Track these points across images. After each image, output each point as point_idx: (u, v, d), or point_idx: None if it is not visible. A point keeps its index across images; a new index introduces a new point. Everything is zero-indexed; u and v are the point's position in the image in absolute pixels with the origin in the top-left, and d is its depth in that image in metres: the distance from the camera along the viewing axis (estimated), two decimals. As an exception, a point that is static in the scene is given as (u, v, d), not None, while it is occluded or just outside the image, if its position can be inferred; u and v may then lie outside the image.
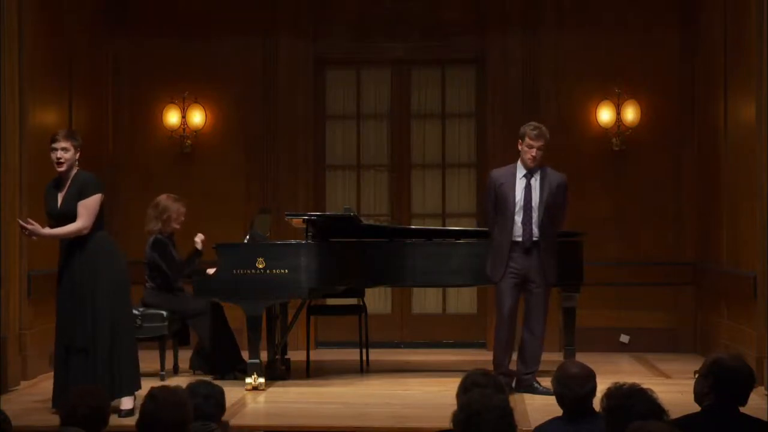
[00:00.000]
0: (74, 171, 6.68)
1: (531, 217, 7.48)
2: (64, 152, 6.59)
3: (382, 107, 10.55)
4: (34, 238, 6.75)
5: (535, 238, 7.48)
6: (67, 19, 9.09)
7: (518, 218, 7.50)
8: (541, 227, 7.49)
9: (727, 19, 8.86)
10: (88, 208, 6.57)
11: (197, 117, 10.21)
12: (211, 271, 7.97)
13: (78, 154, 6.67)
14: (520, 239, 7.49)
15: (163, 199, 8.44)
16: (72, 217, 6.58)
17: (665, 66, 10.07)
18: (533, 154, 7.49)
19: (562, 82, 10.12)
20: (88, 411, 4.09)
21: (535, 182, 7.52)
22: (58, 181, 6.71)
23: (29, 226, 6.61)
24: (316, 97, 10.40)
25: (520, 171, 7.56)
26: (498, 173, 7.72)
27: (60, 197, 6.65)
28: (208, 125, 10.26)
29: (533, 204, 7.48)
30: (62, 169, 6.63)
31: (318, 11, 10.35)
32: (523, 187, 7.51)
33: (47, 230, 6.66)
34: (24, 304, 8.14)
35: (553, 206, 7.52)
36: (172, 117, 10.21)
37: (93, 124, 9.63)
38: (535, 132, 7.52)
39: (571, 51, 10.10)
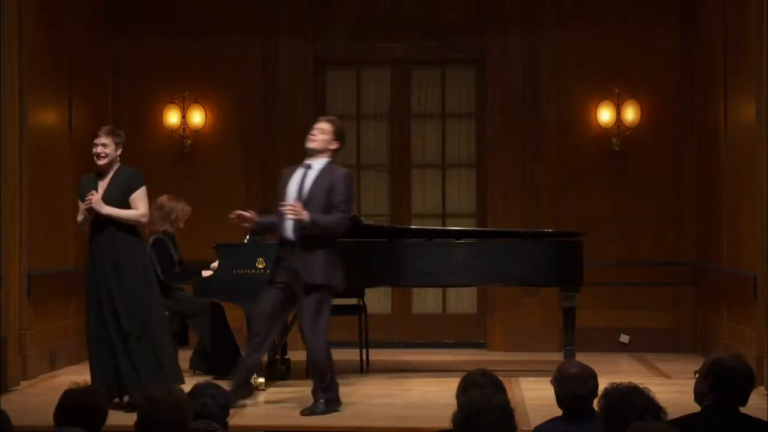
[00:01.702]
0: (116, 166, 6.90)
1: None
2: (104, 147, 6.85)
3: (382, 107, 10.54)
4: (93, 212, 6.71)
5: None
6: (67, 19, 9.09)
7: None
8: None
9: (727, 19, 8.86)
10: (141, 199, 6.84)
11: (197, 117, 10.21)
12: (206, 272, 7.96)
13: (119, 150, 6.90)
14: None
15: (165, 200, 8.45)
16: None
17: (665, 66, 10.07)
18: (311, 133, 6.96)
19: (562, 82, 10.12)
20: (87, 411, 4.09)
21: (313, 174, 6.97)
22: (100, 175, 6.91)
23: (93, 199, 6.69)
24: (316, 97, 10.40)
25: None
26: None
27: (101, 187, 6.82)
28: (208, 125, 10.26)
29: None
30: (102, 162, 6.85)
31: (318, 11, 10.34)
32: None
33: (110, 209, 6.72)
34: (24, 304, 8.14)
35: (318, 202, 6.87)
36: (172, 117, 10.21)
37: (93, 124, 9.57)
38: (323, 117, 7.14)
39: (571, 51, 10.09)
